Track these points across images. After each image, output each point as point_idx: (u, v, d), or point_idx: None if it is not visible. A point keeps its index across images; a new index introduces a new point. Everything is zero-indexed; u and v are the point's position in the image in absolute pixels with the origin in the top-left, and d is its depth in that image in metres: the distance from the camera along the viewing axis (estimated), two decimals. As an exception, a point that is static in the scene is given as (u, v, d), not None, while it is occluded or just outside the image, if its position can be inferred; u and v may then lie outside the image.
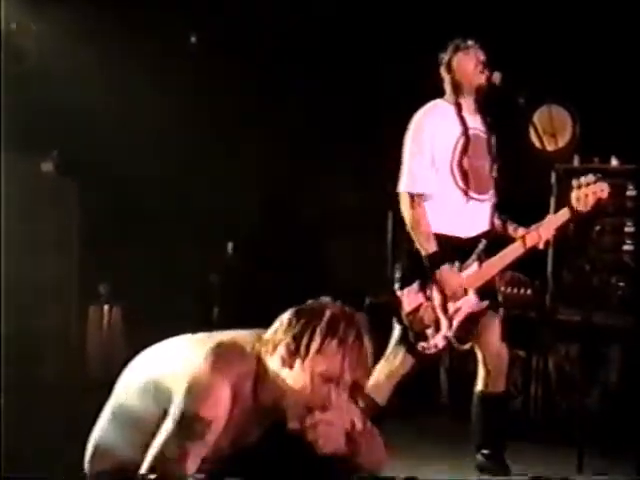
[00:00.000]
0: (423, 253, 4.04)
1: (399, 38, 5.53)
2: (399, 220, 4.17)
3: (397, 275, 4.14)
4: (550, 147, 5.28)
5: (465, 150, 4.12)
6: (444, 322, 4.10)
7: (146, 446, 2.43)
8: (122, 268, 5.75)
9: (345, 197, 5.27)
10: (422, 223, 4.06)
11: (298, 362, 2.44)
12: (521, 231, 4.25)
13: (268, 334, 2.51)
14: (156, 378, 2.51)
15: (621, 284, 5.39)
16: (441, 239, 4.06)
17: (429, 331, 4.08)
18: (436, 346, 4.12)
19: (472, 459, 4.39)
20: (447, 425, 5.26)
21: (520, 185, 4.79)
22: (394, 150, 4.14)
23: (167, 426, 2.40)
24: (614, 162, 5.51)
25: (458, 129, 4.14)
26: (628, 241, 5.43)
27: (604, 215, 5.49)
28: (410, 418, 5.18)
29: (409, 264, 4.12)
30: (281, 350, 2.46)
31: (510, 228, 4.29)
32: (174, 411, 2.41)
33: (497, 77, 4.09)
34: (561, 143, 5.58)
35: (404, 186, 4.12)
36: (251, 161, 6.02)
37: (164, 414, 2.43)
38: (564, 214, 4.23)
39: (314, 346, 2.42)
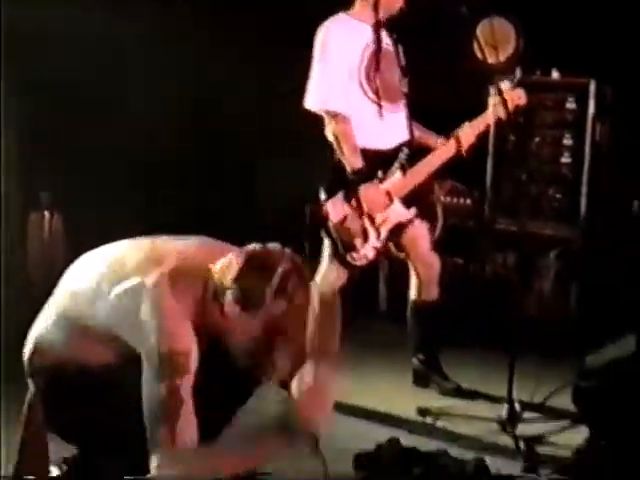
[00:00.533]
0: (349, 168, 4.06)
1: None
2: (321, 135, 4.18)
3: (322, 188, 4.17)
4: (492, 59, 5.29)
5: (372, 63, 4.12)
6: (372, 232, 4.14)
7: (90, 348, 2.48)
8: (62, 175, 5.69)
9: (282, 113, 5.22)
10: (349, 139, 4.06)
11: (244, 313, 2.45)
12: (441, 141, 4.29)
13: (217, 272, 2.50)
14: (106, 286, 2.51)
15: (558, 195, 5.49)
16: (363, 152, 4.08)
17: (358, 242, 4.13)
18: (366, 257, 4.17)
19: (409, 363, 4.52)
20: (385, 331, 5.36)
21: (461, 94, 4.83)
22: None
23: (149, 374, 2.41)
24: (555, 75, 5.56)
25: (364, 43, 4.12)
26: (566, 153, 5.52)
27: (544, 127, 5.57)
28: (349, 324, 5.26)
29: (333, 176, 4.14)
30: (228, 297, 2.47)
31: (430, 139, 4.34)
32: (149, 356, 2.41)
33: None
34: (503, 56, 5.59)
35: (319, 103, 4.11)
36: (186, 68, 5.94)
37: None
38: (482, 121, 4.28)
39: (262, 302, 2.43)
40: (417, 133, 4.30)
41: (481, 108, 4.33)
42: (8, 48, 5.14)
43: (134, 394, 2.42)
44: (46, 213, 5.97)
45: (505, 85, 4.20)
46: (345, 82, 4.08)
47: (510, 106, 4.13)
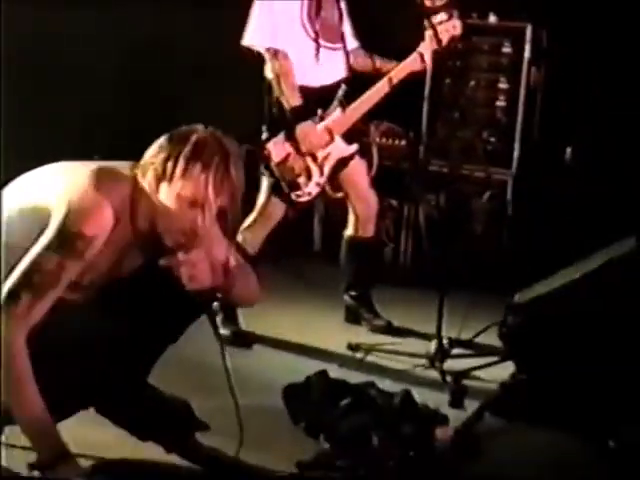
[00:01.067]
0: (287, 106, 4.07)
1: None
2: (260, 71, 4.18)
3: (264, 126, 4.17)
4: (428, 2, 5.29)
5: (314, 3, 4.15)
6: (315, 169, 4.17)
7: None
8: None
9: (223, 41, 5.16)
10: (289, 77, 4.07)
11: (165, 185, 2.48)
12: (391, 66, 4.30)
13: (143, 159, 2.54)
14: (36, 200, 2.50)
15: (492, 139, 5.54)
16: (301, 90, 4.09)
17: (301, 180, 4.16)
18: (309, 194, 4.20)
19: (341, 301, 4.58)
20: (319, 269, 5.41)
21: (395, 38, 4.83)
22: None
23: (46, 239, 2.42)
24: (492, 19, 5.58)
25: None
26: (501, 97, 5.57)
27: (480, 71, 5.60)
28: (283, 264, 5.31)
29: (274, 115, 4.15)
30: (150, 174, 2.50)
31: (378, 62, 4.36)
32: (55, 226, 2.42)
33: None
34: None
35: (260, 40, 4.11)
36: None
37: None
38: (418, 53, 4.26)
39: (178, 170, 2.45)
40: (377, 63, 4.35)
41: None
42: None
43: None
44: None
45: (441, 17, 4.22)
46: (285, 21, 4.08)
47: (445, 36, 4.17)
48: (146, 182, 2.51)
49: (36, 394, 2.38)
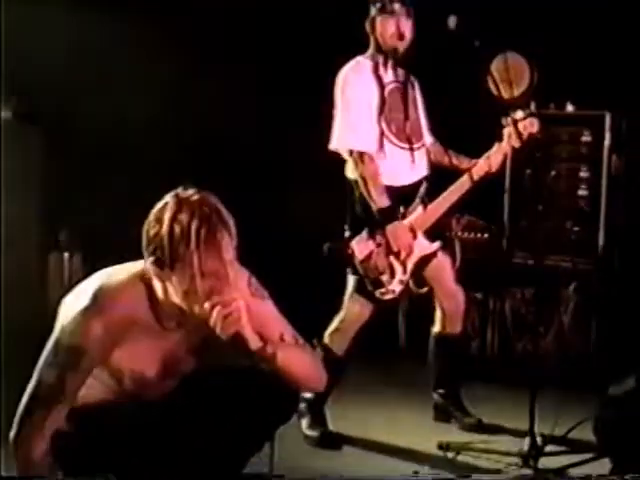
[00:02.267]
0: (374, 207, 4.08)
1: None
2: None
3: (347, 224, 4.19)
4: (506, 95, 5.31)
5: (388, 104, 4.17)
6: (398, 267, 4.16)
7: None
8: (83, 215, 5.73)
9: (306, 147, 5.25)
10: (376, 179, 4.09)
11: (166, 273, 2.47)
12: (466, 162, 4.32)
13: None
14: (59, 313, 2.59)
15: (575, 228, 5.48)
16: (386, 190, 4.11)
17: (385, 277, 4.15)
18: (393, 291, 4.18)
19: (430, 399, 4.51)
20: (405, 366, 5.36)
21: (474, 130, 4.85)
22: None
23: (45, 353, 2.52)
24: (570, 108, 5.57)
25: (377, 85, 4.17)
26: (583, 186, 5.52)
27: (560, 160, 5.57)
28: (369, 362, 5.27)
29: (358, 213, 4.16)
30: (151, 271, 2.50)
31: (458, 160, 4.38)
32: (51, 341, 2.52)
33: (452, 21, 4.10)
34: (517, 91, 5.61)
35: (346, 143, 4.15)
36: (216, 98, 5.98)
37: None
38: (497, 151, 4.28)
39: (166, 258, 2.43)
40: (453, 159, 4.37)
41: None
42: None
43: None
44: (65, 254, 6.01)
45: (518, 115, 4.23)
46: (367, 122, 4.13)
47: (524, 135, 4.17)
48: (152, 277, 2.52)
49: None
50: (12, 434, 2.50)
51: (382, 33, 4.17)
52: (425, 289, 4.39)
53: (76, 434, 2.54)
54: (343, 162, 4.21)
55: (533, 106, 5.53)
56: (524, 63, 5.70)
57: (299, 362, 2.67)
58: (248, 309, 2.52)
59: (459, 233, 5.26)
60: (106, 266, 2.63)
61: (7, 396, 2.89)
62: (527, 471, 3.72)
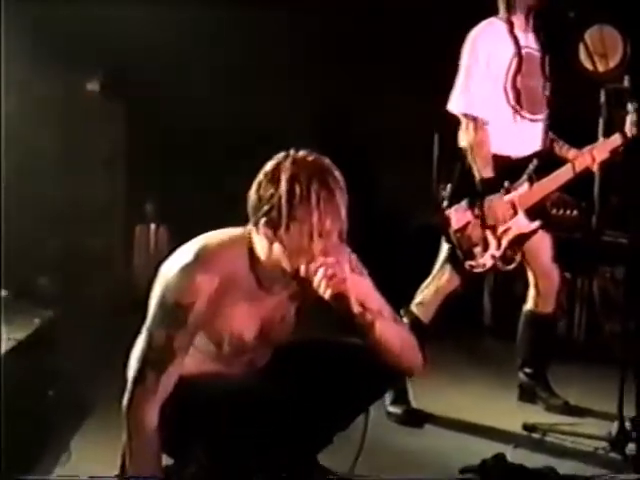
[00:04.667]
0: (478, 176, 4.00)
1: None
2: (447, 139, 4.13)
3: (445, 193, 4.10)
4: (601, 67, 5.18)
5: (518, 69, 4.04)
6: (492, 241, 4.07)
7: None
8: (169, 187, 5.79)
9: (392, 117, 5.21)
10: (484, 147, 3.99)
11: (279, 234, 2.47)
12: (572, 152, 4.22)
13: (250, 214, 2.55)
14: (159, 279, 2.59)
15: (669, 207, 5.32)
16: (493, 158, 4.01)
17: (477, 250, 4.07)
18: (484, 265, 4.10)
19: (514, 378, 4.43)
20: (490, 345, 5.29)
21: (569, 105, 4.72)
22: (446, 68, 4.09)
23: (150, 315, 2.52)
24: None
25: (512, 48, 4.05)
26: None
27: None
28: (453, 338, 5.21)
29: (459, 182, 4.07)
30: (260, 231, 2.50)
31: (562, 149, 4.26)
32: (154, 302, 2.53)
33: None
34: (612, 63, 5.47)
35: (462, 107, 4.05)
36: (299, 83, 5.97)
37: None
38: (617, 139, 4.18)
39: (283, 219, 2.44)
40: (554, 144, 4.25)
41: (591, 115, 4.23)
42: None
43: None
44: (152, 225, 6.07)
45: (630, 107, 4.10)
46: (489, 88, 4.02)
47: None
48: (260, 237, 2.52)
49: (158, 464, 2.51)
50: (125, 401, 2.50)
51: None
52: (512, 266, 4.30)
53: (176, 406, 2.52)
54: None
55: (627, 81, 5.38)
56: (618, 35, 5.56)
57: (397, 336, 2.63)
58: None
59: (549, 210, 5.14)
60: (191, 237, 2.64)
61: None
62: (615, 456, 3.63)
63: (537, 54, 4.15)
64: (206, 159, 5.78)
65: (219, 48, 5.81)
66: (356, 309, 2.51)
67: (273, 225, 2.46)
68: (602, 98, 4.35)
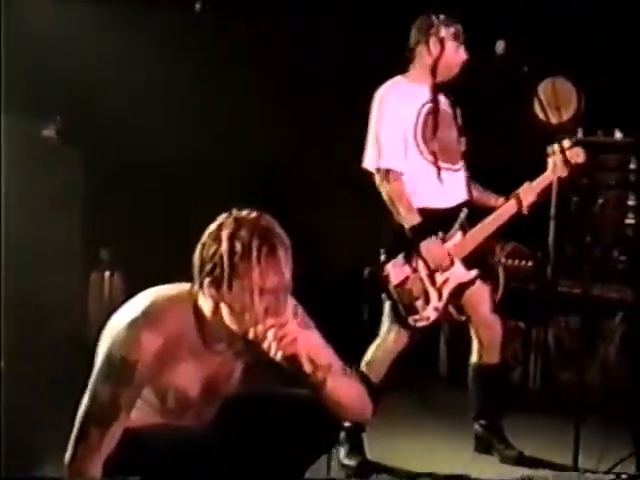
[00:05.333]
0: (406, 226, 4.02)
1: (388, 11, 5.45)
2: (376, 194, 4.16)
3: (382, 248, 4.13)
4: (554, 120, 5.25)
5: (427, 124, 4.11)
6: (433, 293, 4.08)
7: None
8: (124, 234, 5.75)
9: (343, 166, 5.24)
10: (403, 196, 4.02)
11: (222, 292, 2.45)
12: (500, 200, 4.26)
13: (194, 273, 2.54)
14: (106, 332, 2.57)
15: (622, 258, 5.38)
16: (421, 212, 4.04)
17: (419, 303, 4.08)
18: (427, 318, 4.10)
19: (470, 429, 4.42)
20: (446, 395, 5.28)
21: (521, 154, 4.79)
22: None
23: (96, 370, 2.50)
24: (618, 135, 5.49)
25: (420, 104, 4.12)
26: (630, 215, 5.43)
27: (607, 188, 5.49)
28: (409, 388, 5.20)
29: (393, 236, 4.10)
30: (204, 291, 2.49)
31: (490, 199, 4.30)
32: (101, 357, 2.50)
33: (500, 46, 4.06)
34: (565, 116, 5.55)
35: (374, 162, 4.10)
36: (253, 128, 6.00)
37: None
38: (543, 179, 4.24)
39: (225, 276, 2.43)
40: (476, 194, 4.27)
41: (542, 168, 4.29)
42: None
43: None
44: (106, 273, 6.02)
45: (564, 144, 4.17)
46: (400, 142, 4.07)
47: (569, 165, 4.10)
48: (204, 296, 2.51)
49: None
50: (67, 456, 2.46)
51: (432, 55, 4.13)
52: (465, 316, 4.31)
53: (122, 456, 2.49)
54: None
55: (580, 133, 5.46)
56: (572, 88, 5.64)
57: (347, 391, 2.62)
58: None
59: (503, 260, 5.18)
60: (146, 285, 2.62)
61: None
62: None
63: (446, 108, 4.21)
64: (162, 206, 5.76)
65: (174, 96, 5.82)
66: (307, 368, 2.49)
67: (216, 284, 2.45)
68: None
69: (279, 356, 2.44)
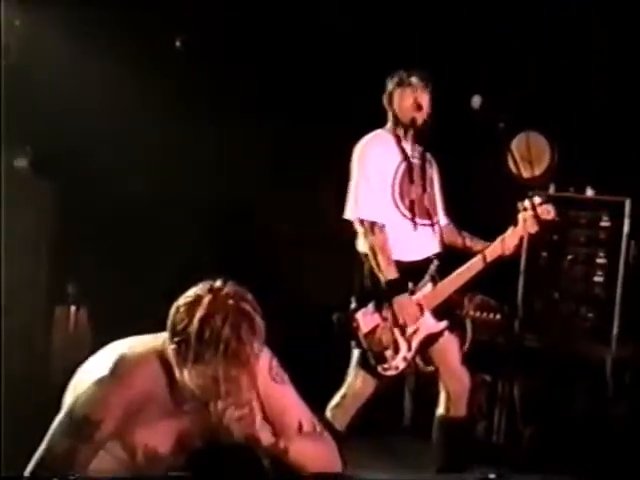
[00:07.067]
0: (383, 279, 4.04)
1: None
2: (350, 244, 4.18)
3: (354, 296, 4.12)
4: (526, 174, 5.29)
5: (405, 179, 4.17)
6: (403, 344, 4.08)
7: None
8: (92, 268, 5.70)
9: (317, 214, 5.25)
10: (386, 249, 4.06)
11: (186, 366, 2.40)
12: (480, 245, 4.27)
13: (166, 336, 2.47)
14: (73, 383, 2.54)
15: (590, 315, 5.39)
16: (395, 264, 4.06)
17: (388, 353, 4.07)
18: (396, 367, 4.11)
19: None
20: (410, 446, 5.24)
21: (494, 208, 4.80)
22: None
23: (58, 421, 2.43)
24: (589, 192, 5.52)
25: (398, 158, 4.18)
26: (599, 272, 5.44)
27: (577, 245, 5.51)
28: (373, 438, 5.15)
29: (364, 285, 4.12)
30: (171, 356, 2.43)
31: (477, 245, 4.32)
32: (65, 409, 2.44)
33: (476, 101, 4.10)
34: (537, 171, 5.58)
35: (357, 213, 4.14)
36: (232, 164, 5.99)
37: None
38: (513, 235, 4.24)
39: (190, 357, 2.37)
40: (467, 241, 4.32)
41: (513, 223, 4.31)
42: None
43: None
44: (72, 307, 5.95)
45: (535, 200, 4.19)
46: (380, 195, 4.12)
47: (538, 222, 4.13)
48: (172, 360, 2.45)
49: None
50: None
51: (400, 105, 4.20)
52: (432, 367, 4.30)
53: None
54: (354, 234, 4.16)
55: (552, 188, 5.49)
56: (545, 143, 5.69)
57: (313, 455, 2.60)
58: (267, 397, 2.51)
59: (471, 312, 5.17)
60: (112, 320, 2.58)
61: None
62: None
63: (419, 164, 4.25)
64: (130, 242, 5.72)
65: (146, 134, 5.80)
66: (266, 442, 2.47)
67: (182, 357, 2.39)
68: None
69: (236, 435, 2.42)
